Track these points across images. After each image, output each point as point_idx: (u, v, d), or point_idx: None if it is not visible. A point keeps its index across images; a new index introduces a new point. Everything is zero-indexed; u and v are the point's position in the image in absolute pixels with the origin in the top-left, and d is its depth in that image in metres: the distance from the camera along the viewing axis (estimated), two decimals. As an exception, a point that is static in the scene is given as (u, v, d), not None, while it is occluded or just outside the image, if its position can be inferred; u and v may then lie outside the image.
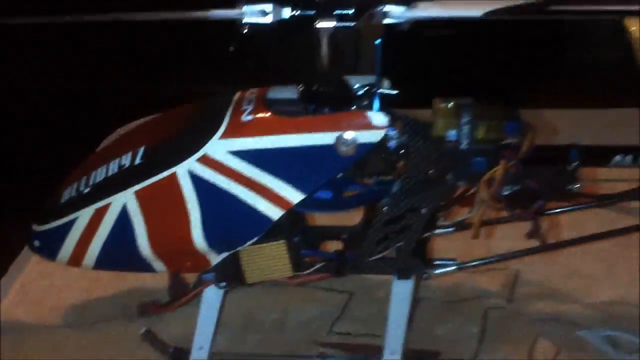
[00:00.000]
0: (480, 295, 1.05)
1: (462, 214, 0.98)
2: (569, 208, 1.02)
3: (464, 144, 0.90)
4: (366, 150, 0.89)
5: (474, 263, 0.99)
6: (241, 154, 0.89)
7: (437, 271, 0.97)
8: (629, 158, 0.93)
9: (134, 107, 1.44)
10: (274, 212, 0.90)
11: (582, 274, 1.08)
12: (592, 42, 2.38)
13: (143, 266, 0.94)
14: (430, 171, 0.92)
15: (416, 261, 0.96)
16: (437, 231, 1.00)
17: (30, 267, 1.13)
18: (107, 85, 2.29)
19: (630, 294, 1.05)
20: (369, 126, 0.88)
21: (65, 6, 1.02)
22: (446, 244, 1.06)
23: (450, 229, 1.01)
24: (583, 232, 1.03)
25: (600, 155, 0.94)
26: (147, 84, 2.22)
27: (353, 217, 0.99)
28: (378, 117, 0.88)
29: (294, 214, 0.93)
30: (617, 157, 0.93)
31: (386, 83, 0.92)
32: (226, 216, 0.91)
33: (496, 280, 1.07)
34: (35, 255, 1.11)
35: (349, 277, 1.04)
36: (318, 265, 0.96)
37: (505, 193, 0.91)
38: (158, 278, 1.04)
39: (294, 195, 0.90)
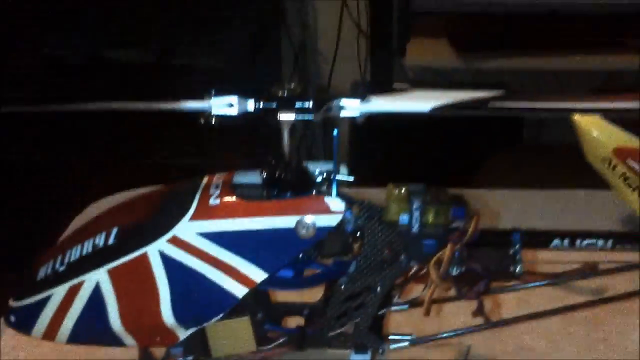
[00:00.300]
0: (434, 368, 1.11)
1: (416, 291, 1.05)
2: (514, 287, 1.08)
3: (415, 228, 0.97)
4: (324, 233, 0.95)
5: (428, 338, 1.06)
6: (209, 236, 0.96)
7: (392, 346, 1.04)
8: (566, 241, 1.00)
9: (106, 185, 1.52)
10: (239, 290, 0.96)
11: (529, 349, 1.14)
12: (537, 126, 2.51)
13: (114, 341, 0.99)
14: (385, 252, 0.99)
15: (372, 336, 1.02)
16: (393, 308, 1.06)
17: (4, 340, 1.17)
18: (79, 163, 2.38)
19: (571, 367, 1.12)
20: (327, 210, 0.95)
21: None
22: (402, 318, 1.12)
23: (405, 306, 1.06)
24: (529, 310, 1.10)
25: (540, 239, 1.01)
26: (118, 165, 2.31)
27: (315, 294, 1.05)
28: (335, 203, 0.95)
29: (258, 292, 1.00)
30: (556, 241, 1.01)
31: (343, 169, 0.99)
32: (194, 294, 0.97)
33: (448, 354, 1.13)
34: (8, 330, 1.17)
35: (312, 352, 1.11)
36: (280, 340, 1.02)
37: (454, 274, 0.98)
38: (127, 353, 1.10)
39: (258, 275, 0.96)
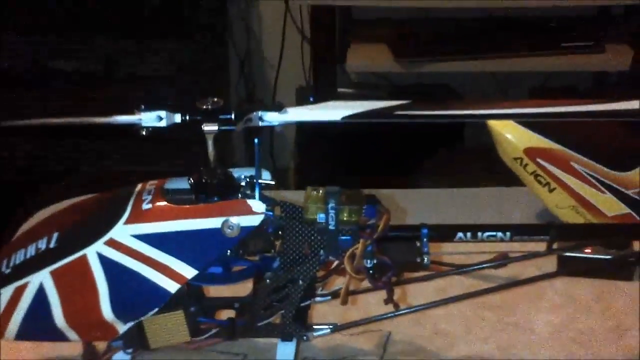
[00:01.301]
0: (357, 353, 1.20)
1: (338, 283, 1.14)
2: (429, 277, 1.18)
3: (331, 225, 1.07)
4: (248, 232, 1.05)
5: (349, 325, 1.16)
6: (142, 237, 1.04)
7: (316, 333, 1.13)
8: (469, 234, 1.11)
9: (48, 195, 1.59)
10: (172, 286, 1.05)
11: (444, 334, 1.24)
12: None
13: (59, 337, 1.08)
14: (305, 248, 1.08)
15: (297, 325, 1.12)
16: (317, 299, 1.16)
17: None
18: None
19: (485, 349, 1.21)
20: (249, 212, 1.04)
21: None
22: (329, 310, 1.22)
23: (328, 297, 1.16)
24: (444, 296, 1.21)
25: (445, 233, 1.11)
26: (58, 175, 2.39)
27: (247, 289, 1.14)
28: (257, 204, 1.05)
29: (191, 287, 1.09)
30: (460, 234, 1.11)
31: (265, 174, 1.09)
32: (131, 291, 1.05)
33: (371, 341, 1.23)
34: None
35: (243, 342, 1.20)
36: (213, 331, 1.11)
37: (368, 266, 1.08)
38: (72, 348, 1.17)
39: (188, 272, 1.05)
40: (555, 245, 1.14)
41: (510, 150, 1.43)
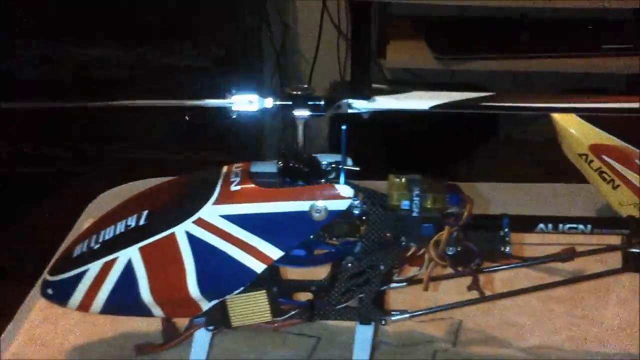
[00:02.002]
0: (429, 340, 1.22)
1: (412, 271, 1.16)
2: (501, 267, 1.20)
3: (415, 212, 1.09)
4: (334, 216, 1.07)
5: (424, 312, 1.18)
6: (230, 218, 1.06)
7: (394, 318, 1.15)
8: (550, 225, 1.12)
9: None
10: (258, 267, 1.07)
11: (513, 324, 1.26)
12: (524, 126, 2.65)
13: (144, 312, 1.10)
14: (387, 234, 1.10)
15: (375, 310, 1.13)
16: (393, 285, 1.18)
17: (34, 313, 1.27)
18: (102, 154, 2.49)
19: (552, 340, 1.23)
20: (337, 196, 1.06)
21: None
22: (399, 297, 1.24)
23: (404, 284, 1.18)
24: (513, 288, 1.22)
25: (527, 223, 1.13)
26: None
27: (317, 273, 1.16)
28: (345, 189, 1.06)
29: (272, 268, 1.11)
30: (541, 225, 1.13)
31: (350, 161, 1.11)
32: (217, 269, 1.07)
33: (442, 328, 1.25)
34: (38, 303, 1.27)
35: (317, 324, 1.22)
36: (292, 312, 1.13)
37: (449, 253, 1.09)
38: (149, 324, 1.20)
39: (275, 253, 1.07)
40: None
41: (575, 146, 1.45)
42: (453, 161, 2.43)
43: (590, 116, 1.44)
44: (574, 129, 1.44)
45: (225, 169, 1.12)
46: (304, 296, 1.17)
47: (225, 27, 2.84)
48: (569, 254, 1.21)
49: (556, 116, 1.46)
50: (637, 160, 1.42)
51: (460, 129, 2.36)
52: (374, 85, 2.01)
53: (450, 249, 1.09)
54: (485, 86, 2.96)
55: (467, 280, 1.13)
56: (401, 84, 3.15)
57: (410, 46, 2.91)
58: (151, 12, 2.70)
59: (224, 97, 1.06)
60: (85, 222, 1.48)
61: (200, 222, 1.06)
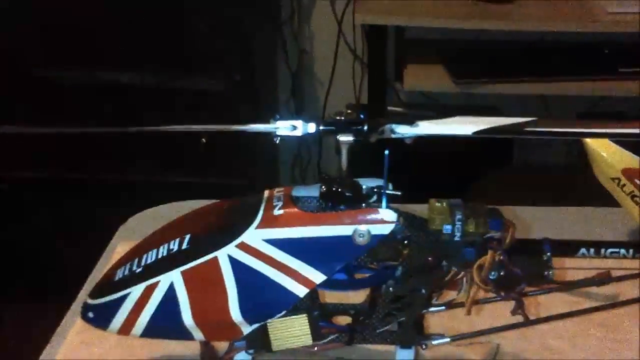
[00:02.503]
0: (467, 364, 1.23)
1: (450, 295, 1.16)
2: (539, 292, 1.20)
3: (457, 236, 1.09)
4: (378, 240, 1.07)
5: (464, 336, 1.18)
6: (273, 242, 1.07)
7: (435, 342, 1.15)
8: (592, 250, 1.13)
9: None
10: (300, 291, 1.07)
11: (551, 349, 1.26)
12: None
13: (185, 335, 1.10)
14: (429, 258, 1.10)
15: (416, 333, 1.13)
16: (432, 309, 1.18)
17: (70, 337, 1.27)
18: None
19: (591, 364, 1.24)
20: (380, 221, 1.07)
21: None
22: (435, 321, 1.24)
23: (442, 307, 1.18)
24: (549, 311, 1.22)
25: (569, 248, 1.13)
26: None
27: (354, 296, 1.16)
28: (388, 214, 1.07)
29: (313, 291, 1.11)
30: (583, 250, 1.13)
31: (390, 186, 1.11)
32: (259, 293, 1.08)
33: (479, 352, 1.24)
34: (74, 327, 1.28)
35: (355, 348, 1.22)
36: (332, 336, 1.13)
37: (491, 277, 1.10)
38: (185, 348, 1.20)
39: (317, 277, 1.07)
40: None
41: (607, 170, 1.45)
42: (489, 184, 2.44)
43: (623, 141, 1.45)
44: (606, 152, 1.45)
45: (267, 193, 1.12)
46: (343, 320, 1.17)
47: (241, 52, 2.86)
48: (605, 278, 1.21)
49: (588, 140, 1.46)
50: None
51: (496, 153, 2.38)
52: (389, 108, 2.01)
53: (493, 273, 1.09)
54: (501, 109, 2.98)
55: (503, 304, 1.14)
56: (417, 107, 3.19)
57: (427, 70, 2.93)
58: (168, 37, 2.73)
59: (268, 122, 1.06)
60: (117, 244, 1.48)
61: (243, 246, 1.07)
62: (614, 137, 1.35)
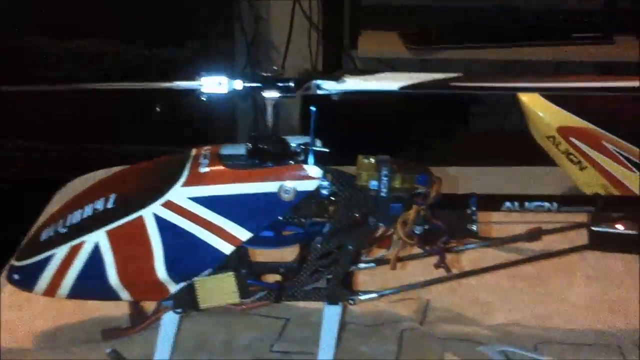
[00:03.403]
0: (397, 320, 1.23)
1: (381, 252, 1.16)
2: (469, 247, 1.21)
3: (383, 192, 1.09)
4: (303, 196, 1.07)
5: (392, 291, 1.18)
6: (199, 200, 1.06)
7: (362, 298, 1.16)
8: (516, 204, 1.13)
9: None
10: (226, 248, 1.07)
11: (480, 302, 1.27)
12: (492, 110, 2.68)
13: (111, 296, 1.09)
14: (356, 215, 1.11)
15: (344, 290, 1.14)
16: (361, 265, 1.18)
17: (1, 300, 1.26)
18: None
19: (518, 318, 1.24)
20: (306, 177, 1.06)
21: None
22: (368, 278, 1.24)
23: (372, 265, 1.18)
24: (480, 267, 1.23)
25: (494, 202, 1.14)
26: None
27: (286, 255, 1.16)
28: (313, 170, 1.07)
29: (241, 250, 1.11)
30: (508, 203, 1.13)
31: (319, 142, 1.11)
32: (185, 251, 1.07)
33: (410, 308, 1.25)
34: (5, 290, 1.27)
35: (286, 306, 1.22)
36: (261, 294, 1.14)
37: (417, 232, 1.10)
38: (116, 308, 1.20)
39: (243, 234, 1.07)
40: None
41: (543, 128, 1.46)
42: (425, 145, 2.45)
43: (557, 98, 1.45)
44: (542, 111, 1.46)
45: (194, 151, 1.11)
46: (274, 278, 1.17)
47: (200, 20, 2.84)
48: (535, 233, 1.22)
49: (524, 99, 1.47)
50: (603, 142, 1.43)
51: (431, 112, 2.38)
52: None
53: (418, 227, 1.09)
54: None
55: (435, 260, 1.14)
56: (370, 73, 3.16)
57: (382, 36, 2.91)
58: (125, 6, 2.70)
59: (192, 80, 1.05)
60: (53, 208, 1.47)
61: (169, 205, 1.06)
62: (544, 92, 1.35)
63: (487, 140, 2.73)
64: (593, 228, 1.30)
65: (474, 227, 1.11)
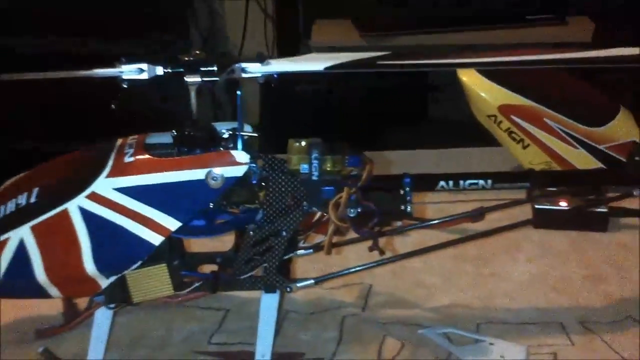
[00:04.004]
0: (339, 306, 1.21)
1: (321, 237, 1.14)
2: (410, 228, 1.19)
3: (315, 176, 1.07)
4: (232, 183, 1.04)
5: (329, 276, 1.16)
6: (124, 190, 1.03)
7: (299, 284, 1.13)
8: (450, 182, 1.12)
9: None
10: (155, 239, 1.04)
11: (425, 285, 1.26)
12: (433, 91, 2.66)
13: (40, 293, 1.06)
14: (288, 200, 1.08)
15: (280, 277, 1.12)
16: (299, 252, 1.16)
17: None
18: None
19: (461, 298, 1.23)
20: (233, 163, 1.04)
21: None
22: (308, 266, 1.22)
23: (310, 251, 1.16)
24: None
25: (428, 181, 1.12)
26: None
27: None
28: (241, 155, 1.04)
29: (173, 240, 1.08)
30: (442, 182, 1.12)
31: (248, 127, 1.09)
32: (113, 244, 1.04)
33: (352, 293, 1.24)
34: None
35: (225, 297, 1.20)
36: (196, 285, 1.11)
37: (352, 215, 1.08)
38: (50, 306, 1.17)
39: (172, 223, 1.04)
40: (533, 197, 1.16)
41: (484, 107, 1.44)
42: (357, 128, 2.44)
43: (498, 76, 1.44)
44: (482, 90, 1.44)
45: (120, 141, 1.08)
46: (212, 269, 1.14)
47: (154, 16, 2.80)
48: (476, 211, 1.21)
49: (464, 79, 1.45)
50: (545, 119, 1.42)
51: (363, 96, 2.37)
52: None
53: (352, 210, 1.07)
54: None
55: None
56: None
57: (336, 25, 2.89)
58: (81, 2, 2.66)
59: (114, 66, 1.02)
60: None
61: (94, 196, 1.03)
62: (481, 67, 1.33)
63: (447, 124, 2.70)
64: (536, 206, 1.29)
65: (409, 208, 1.09)
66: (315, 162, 1.06)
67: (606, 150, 1.41)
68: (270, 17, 3.15)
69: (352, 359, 1.10)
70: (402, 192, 1.09)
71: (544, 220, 1.35)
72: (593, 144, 1.42)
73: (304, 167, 1.07)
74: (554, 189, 1.21)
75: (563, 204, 1.34)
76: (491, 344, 1.12)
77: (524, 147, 1.43)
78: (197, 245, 1.17)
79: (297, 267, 1.21)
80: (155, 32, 2.80)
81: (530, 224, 1.25)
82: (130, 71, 1.02)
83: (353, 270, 1.16)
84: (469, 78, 1.44)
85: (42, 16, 2.56)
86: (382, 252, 1.09)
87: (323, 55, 1.07)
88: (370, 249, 1.09)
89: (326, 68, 1.04)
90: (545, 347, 1.11)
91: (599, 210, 1.36)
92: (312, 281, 1.14)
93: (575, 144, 1.42)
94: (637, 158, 1.17)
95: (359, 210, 1.07)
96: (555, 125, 1.42)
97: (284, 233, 1.09)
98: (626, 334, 1.13)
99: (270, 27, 3.17)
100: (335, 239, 1.13)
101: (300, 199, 1.08)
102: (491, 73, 1.43)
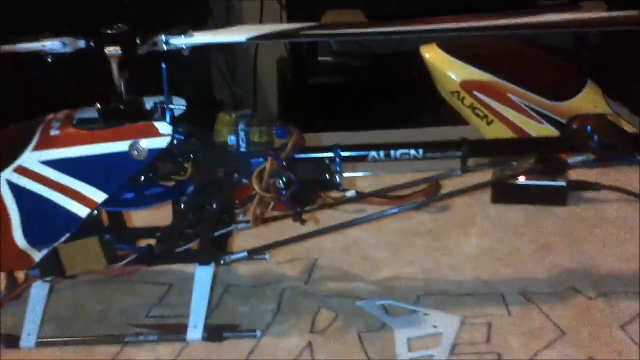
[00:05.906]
0: (281, 279, 1.20)
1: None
2: (341, 201, 1.18)
3: (242, 147, 1.07)
4: (155, 154, 1.05)
5: (262, 248, 1.16)
6: (50, 163, 1.05)
7: (233, 257, 1.13)
8: (382, 153, 1.10)
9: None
10: (82, 211, 1.05)
11: (372, 259, 1.24)
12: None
13: None
14: (218, 172, 1.08)
15: (213, 250, 1.11)
16: (238, 226, 1.16)
17: None
18: None
19: (405, 272, 1.21)
20: (156, 134, 1.04)
21: None
22: (255, 241, 1.22)
23: (249, 225, 1.16)
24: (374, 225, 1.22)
25: (358, 152, 1.10)
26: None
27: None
28: (163, 126, 1.05)
29: (111, 214, 1.10)
30: (373, 153, 1.10)
31: (178, 100, 1.09)
32: (42, 217, 1.06)
33: (297, 267, 1.23)
34: None
35: (169, 272, 1.21)
36: (131, 257, 1.12)
37: (280, 186, 1.07)
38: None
39: (98, 195, 1.05)
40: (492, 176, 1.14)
41: (447, 84, 1.42)
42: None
43: (459, 52, 1.41)
44: (444, 67, 1.42)
45: (50, 116, 1.10)
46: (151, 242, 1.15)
47: (171, 10, 2.83)
48: (434, 187, 1.19)
49: (426, 56, 1.43)
50: (508, 94, 1.39)
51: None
52: (320, 59, 1.96)
53: (280, 181, 1.06)
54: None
55: (327, 216, 1.15)
56: (346, 55, 3.14)
57: (345, 15, 2.88)
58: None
59: (36, 40, 1.04)
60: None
61: (21, 170, 1.05)
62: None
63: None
64: (496, 180, 1.27)
65: (338, 178, 1.08)
66: (242, 134, 1.06)
67: (572, 125, 1.37)
68: (285, 7, 3.15)
69: (286, 330, 1.09)
70: (327, 161, 1.08)
71: (502, 195, 1.33)
72: (558, 119, 1.38)
73: (231, 139, 1.07)
74: (490, 158, 1.19)
75: (522, 179, 1.32)
76: (426, 314, 1.10)
77: (488, 123, 1.41)
78: (146, 220, 1.17)
79: (247, 244, 1.20)
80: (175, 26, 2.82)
81: (486, 185, 1.23)
82: (53, 45, 1.03)
83: (286, 241, 1.16)
84: (431, 55, 1.42)
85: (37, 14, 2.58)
86: (303, 222, 1.08)
87: (246, 27, 1.07)
88: (294, 220, 1.08)
89: (249, 39, 1.03)
90: (481, 317, 1.09)
91: (557, 184, 1.33)
92: (245, 253, 1.14)
93: (540, 118, 1.38)
94: (574, 126, 1.14)
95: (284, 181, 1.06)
96: (518, 100, 1.38)
97: (215, 205, 1.09)
98: (567, 305, 1.11)
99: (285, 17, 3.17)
100: (277, 213, 1.13)
101: (230, 171, 1.08)
102: (453, 49, 1.41)
